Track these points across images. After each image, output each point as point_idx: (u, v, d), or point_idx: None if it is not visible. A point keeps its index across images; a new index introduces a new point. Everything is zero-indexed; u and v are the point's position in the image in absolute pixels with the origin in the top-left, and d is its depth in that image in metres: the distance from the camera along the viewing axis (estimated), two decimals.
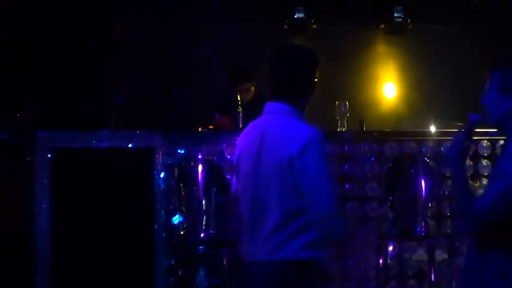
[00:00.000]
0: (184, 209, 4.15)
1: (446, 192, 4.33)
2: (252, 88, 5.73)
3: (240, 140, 3.02)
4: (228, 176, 4.28)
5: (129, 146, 4.15)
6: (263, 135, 2.84)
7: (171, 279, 4.18)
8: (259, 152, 2.83)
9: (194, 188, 4.13)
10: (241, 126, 4.73)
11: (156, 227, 4.10)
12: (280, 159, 2.73)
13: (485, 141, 4.40)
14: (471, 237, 2.73)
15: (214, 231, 4.14)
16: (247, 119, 4.72)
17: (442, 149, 4.36)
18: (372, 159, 4.47)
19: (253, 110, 5.04)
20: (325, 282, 2.97)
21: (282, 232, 2.74)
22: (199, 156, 4.24)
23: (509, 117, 2.65)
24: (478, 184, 4.33)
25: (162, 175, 4.15)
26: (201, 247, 4.22)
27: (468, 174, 4.41)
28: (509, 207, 2.52)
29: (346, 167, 4.41)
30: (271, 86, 2.91)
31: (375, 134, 4.57)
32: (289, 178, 2.71)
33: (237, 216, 2.99)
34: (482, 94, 2.72)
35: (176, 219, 4.17)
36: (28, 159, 4.12)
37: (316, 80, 2.90)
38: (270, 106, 2.90)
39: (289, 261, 2.73)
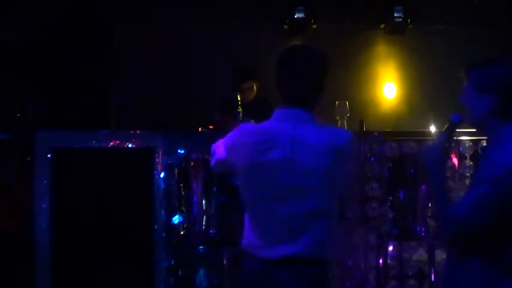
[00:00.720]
0: (184, 209, 4.15)
1: None
2: (255, 88, 5.73)
3: (247, 145, 2.85)
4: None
5: (129, 146, 4.15)
6: (294, 146, 2.75)
7: (171, 279, 4.18)
8: (290, 161, 2.75)
9: (194, 188, 4.13)
10: None
11: (156, 227, 4.10)
12: (323, 165, 2.70)
13: (485, 141, 4.40)
14: (449, 244, 2.66)
15: (214, 231, 4.14)
16: (248, 119, 4.74)
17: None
18: (372, 159, 4.47)
19: (254, 110, 5.07)
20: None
21: (310, 232, 2.75)
22: (200, 156, 4.24)
23: (489, 118, 2.55)
24: None
25: (162, 175, 4.15)
26: (201, 247, 4.23)
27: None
28: (488, 214, 2.41)
29: None
30: (287, 89, 2.80)
31: (375, 134, 4.57)
32: (332, 179, 2.72)
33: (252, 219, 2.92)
34: (461, 94, 2.64)
35: (176, 219, 4.17)
36: (28, 159, 4.12)
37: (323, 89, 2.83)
38: (291, 113, 2.79)
39: (313, 259, 2.75)
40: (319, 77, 2.79)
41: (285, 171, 2.76)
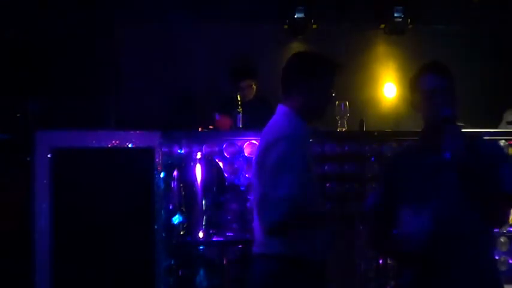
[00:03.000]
0: (184, 209, 4.15)
1: None
2: (254, 86, 5.74)
3: None
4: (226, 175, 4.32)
5: (129, 146, 4.15)
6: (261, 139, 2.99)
7: (171, 279, 4.18)
8: (259, 152, 2.95)
9: (194, 188, 4.13)
10: (241, 126, 4.74)
11: (156, 227, 4.10)
12: (259, 155, 2.89)
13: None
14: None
15: (214, 231, 4.15)
16: (247, 118, 4.76)
17: None
18: (372, 159, 4.47)
19: (252, 110, 5.08)
20: (322, 282, 2.97)
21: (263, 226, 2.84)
22: (199, 156, 4.24)
23: None
24: None
25: (162, 175, 4.15)
26: (201, 247, 4.23)
27: None
28: None
29: (346, 167, 4.42)
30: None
31: (375, 134, 4.57)
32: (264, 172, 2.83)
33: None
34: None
35: (176, 219, 4.17)
36: (28, 159, 4.12)
37: (317, 84, 2.95)
38: (277, 108, 3.03)
39: (277, 256, 2.79)
40: (294, 80, 2.96)
41: (255, 162, 2.98)
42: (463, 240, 2.61)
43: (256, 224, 2.95)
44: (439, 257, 2.63)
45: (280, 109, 2.98)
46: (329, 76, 2.99)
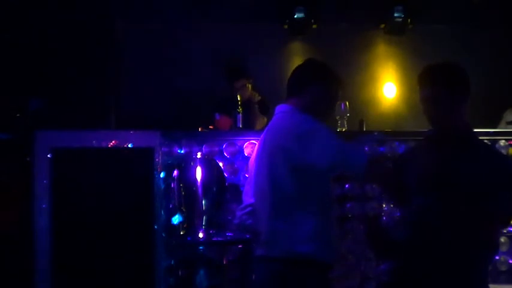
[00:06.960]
0: (184, 209, 4.15)
1: None
2: (249, 85, 5.78)
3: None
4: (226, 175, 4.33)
5: (129, 146, 4.15)
6: (266, 133, 3.01)
7: (171, 279, 4.18)
8: (262, 149, 2.99)
9: (194, 188, 4.13)
10: (241, 126, 4.74)
11: (156, 227, 4.10)
12: (275, 149, 2.89)
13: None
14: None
15: (214, 231, 4.14)
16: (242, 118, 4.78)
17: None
18: None
19: (246, 109, 5.10)
20: (327, 283, 2.96)
21: (276, 224, 2.82)
22: (199, 156, 4.24)
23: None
24: None
25: (162, 175, 4.15)
26: (201, 247, 4.23)
27: None
28: None
29: None
30: None
31: (375, 134, 4.57)
32: (286, 165, 2.81)
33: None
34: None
35: (176, 219, 4.17)
36: (28, 159, 4.12)
37: (327, 90, 3.09)
38: (279, 107, 3.08)
39: (283, 258, 2.79)
40: (297, 83, 3.07)
41: (256, 160, 3.06)
42: (442, 247, 2.63)
43: (261, 224, 2.93)
44: (418, 260, 2.69)
45: (283, 107, 3.02)
46: (337, 87, 3.15)
